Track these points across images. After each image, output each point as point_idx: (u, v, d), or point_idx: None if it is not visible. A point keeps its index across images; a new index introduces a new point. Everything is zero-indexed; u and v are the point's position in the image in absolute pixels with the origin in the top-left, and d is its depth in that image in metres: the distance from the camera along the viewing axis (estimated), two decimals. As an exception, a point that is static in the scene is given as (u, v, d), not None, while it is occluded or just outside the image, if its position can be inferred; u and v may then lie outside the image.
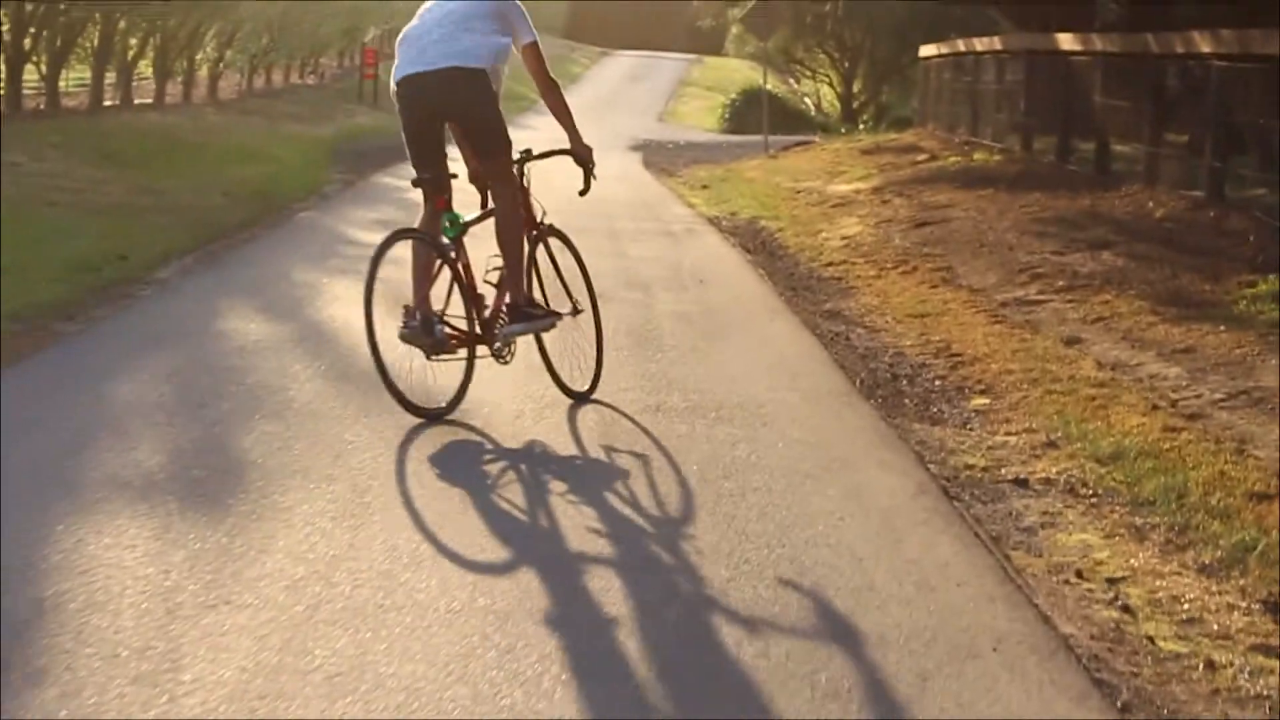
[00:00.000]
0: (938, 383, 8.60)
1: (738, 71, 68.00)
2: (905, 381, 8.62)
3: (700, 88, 62.56)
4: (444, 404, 7.03)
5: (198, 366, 8.17)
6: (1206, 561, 5.47)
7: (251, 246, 13.39)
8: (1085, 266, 12.12)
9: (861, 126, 38.67)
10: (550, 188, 8.81)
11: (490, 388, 7.50)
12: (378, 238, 7.25)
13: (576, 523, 5.65)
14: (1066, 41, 19.20)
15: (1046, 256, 12.72)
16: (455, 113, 7.21)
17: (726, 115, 46.65)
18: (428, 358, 7.02)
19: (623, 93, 57.97)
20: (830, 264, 13.88)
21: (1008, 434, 7.34)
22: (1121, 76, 17.30)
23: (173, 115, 27.95)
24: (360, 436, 6.67)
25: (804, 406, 7.78)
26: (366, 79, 41.43)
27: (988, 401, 8.07)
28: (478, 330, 7.18)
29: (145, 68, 31.68)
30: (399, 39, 7.22)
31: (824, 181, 22.19)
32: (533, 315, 7.33)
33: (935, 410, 7.89)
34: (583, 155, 7.97)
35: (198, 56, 33.07)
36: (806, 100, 56.10)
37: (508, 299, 7.26)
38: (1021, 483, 6.48)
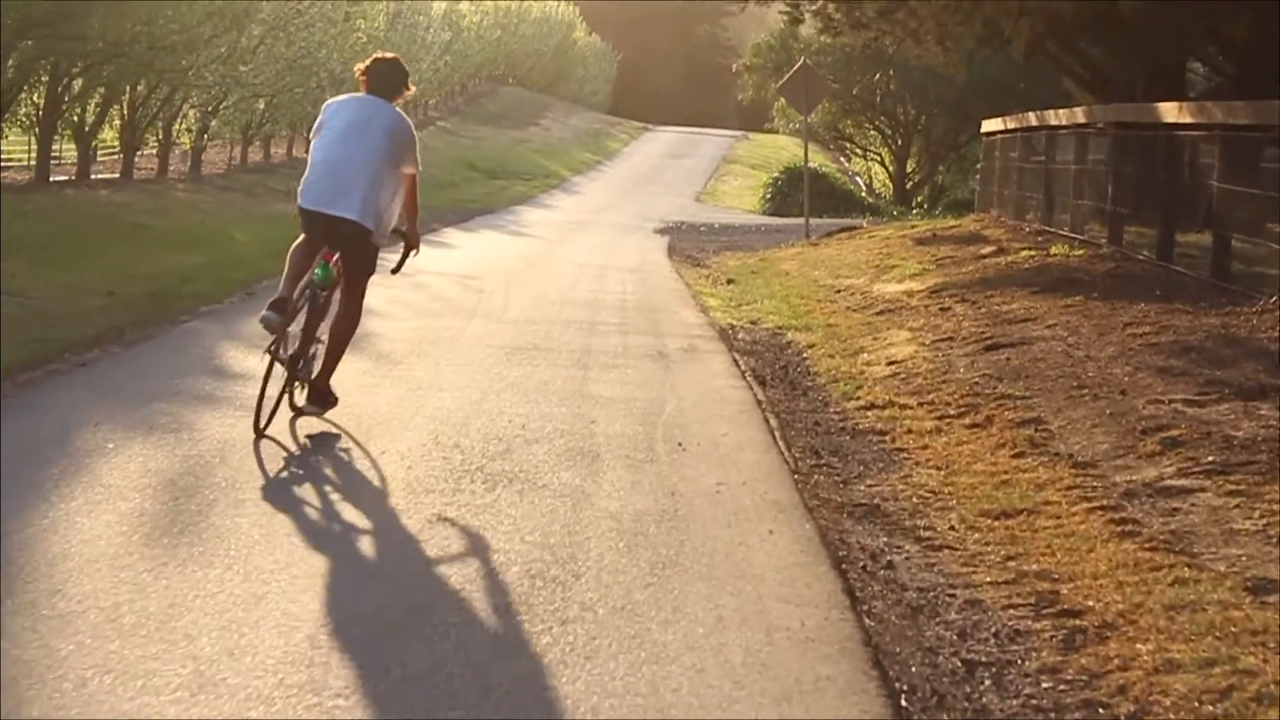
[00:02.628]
0: (1049, 687, 4.86)
1: (784, 149, 64.66)
2: (992, 688, 4.87)
3: (744, 165, 59.08)
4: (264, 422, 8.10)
5: None
6: None
7: (71, 379, 9.76)
8: (1240, 427, 8.33)
9: (916, 210, 34.84)
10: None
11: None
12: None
13: None
14: (1171, 112, 15.48)
15: (1178, 408, 8.93)
16: (343, 247, 8.39)
17: (768, 195, 43.07)
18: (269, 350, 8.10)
19: (661, 170, 54.56)
20: (872, 405, 10.18)
21: None
22: (1246, 154, 13.59)
23: (131, 193, 24.56)
24: None
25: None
26: (375, 153, 37.95)
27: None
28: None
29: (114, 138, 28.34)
30: (314, 138, 8.45)
31: (870, 278, 18.49)
32: (327, 402, 8.60)
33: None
34: (409, 241, 9.13)
35: (175, 126, 29.66)
36: (857, 180, 52.55)
37: (314, 378, 8.54)
38: None
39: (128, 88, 26.32)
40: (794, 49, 44.25)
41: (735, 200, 46.12)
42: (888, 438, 9.13)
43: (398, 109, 8.60)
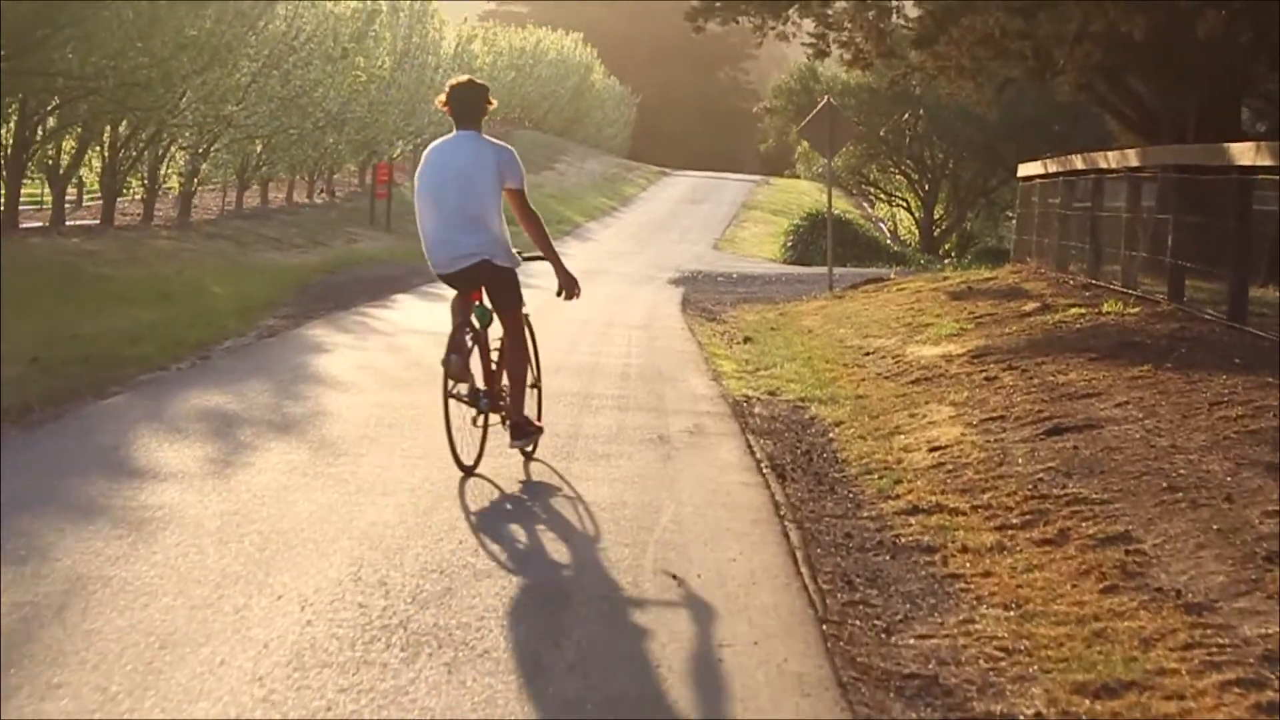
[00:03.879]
0: None
1: (806, 194, 63.01)
2: None
3: (765, 211, 57.33)
4: (471, 462, 8.64)
5: None
6: None
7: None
8: (1395, 554, 6.48)
9: (948, 261, 32.99)
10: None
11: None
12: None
13: None
14: (1245, 154, 13.65)
15: (1306, 522, 7.09)
16: (485, 285, 8.77)
17: (789, 243, 41.29)
18: (452, 377, 8.65)
19: (679, 216, 52.84)
20: (915, 508, 8.35)
21: None
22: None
23: (105, 241, 22.85)
24: None
25: None
26: (379, 198, 36.51)
27: None
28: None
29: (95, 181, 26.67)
30: (419, 194, 8.72)
31: (902, 338, 16.66)
32: (529, 431, 8.97)
33: None
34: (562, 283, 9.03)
35: (162, 169, 27.98)
36: (881, 226, 50.77)
37: (510, 418, 8.86)
38: None
39: (108, 127, 24.66)
40: (816, 90, 42.63)
41: (755, 248, 44.35)
42: (938, 557, 7.29)
43: (483, 138, 8.72)
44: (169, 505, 7.29)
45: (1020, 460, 9.27)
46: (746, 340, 18.22)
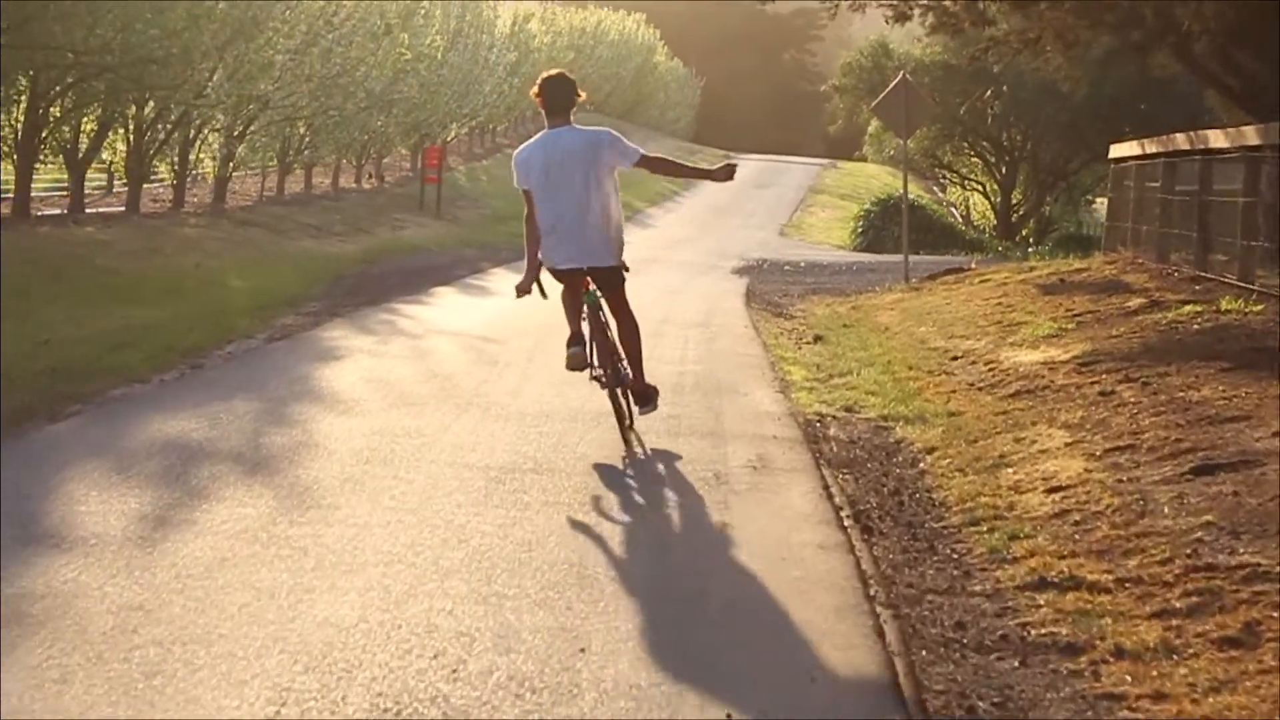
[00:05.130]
0: None
1: (875, 178, 61.06)
2: None
3: (832, 195, 55.33)
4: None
5: None
6: None
7: None
8: None
9: (1033, 249, 30.91)
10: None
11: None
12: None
13: None
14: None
15: None
16: (596, 279, 9.21)
17: (859, 229, 39.25)
18: (573, 369, 9.24)
19: (743, 200, 50.88)
20: (1041, 580, 6.48)
21: None
22: None
23: (125, 229, 21.20)
24: None
25: None
26: (429, 183, 34.78)
27: None
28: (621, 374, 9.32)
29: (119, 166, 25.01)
30: (535, 196, 9.09)
31: (994, 340, 14.75)
32: (651, 396, 9.40)
33: None
34: (719, 176, 9.48)
35: (194, 153, 26.33)
36: (953, 211, 48.64)
37: (634, 388, 9.36)
38: None
39: (132, 107, 23.00)
40: (888, 68, 40.57)
41: (823, 234, 42.37)
42: (1085, 662, 5.43)
43: (578, 128, 9.14)
44: (56, 593, 5.52)
45: (1166, 510, 7.37)
46: (816, 339, 16.36)
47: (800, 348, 15.66)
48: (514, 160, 9.23)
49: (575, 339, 9.17)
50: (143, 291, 15.77)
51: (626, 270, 9.41)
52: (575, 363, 9.14)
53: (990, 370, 12.88)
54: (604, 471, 8.37)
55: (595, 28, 71.89)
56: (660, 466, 8.58)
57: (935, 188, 57.24)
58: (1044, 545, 7.03)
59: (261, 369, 11.73)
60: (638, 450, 9.02)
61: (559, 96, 9.09)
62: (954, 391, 12.03)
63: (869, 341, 15.95)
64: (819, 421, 10.64)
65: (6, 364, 10.50)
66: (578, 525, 7.06)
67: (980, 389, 12.03)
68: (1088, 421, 9.87)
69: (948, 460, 9.33)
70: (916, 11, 19.77)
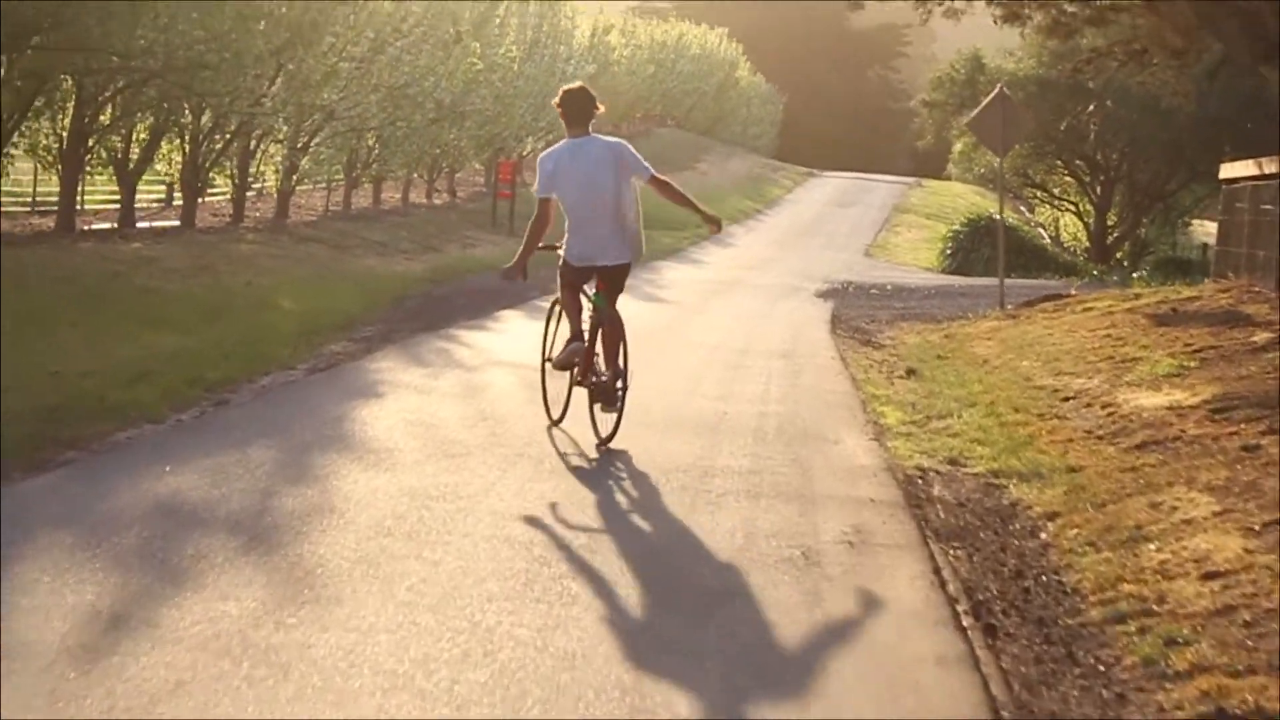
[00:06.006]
0: None
1: (962, 196, 59.51)
2: None
3: (918, 215, 53.81)
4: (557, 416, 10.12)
5: None
6: None
7: None
8: None
9: (1136, 275, 29.31)
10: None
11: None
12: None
13: None
14: None
15: None
16: (609, 278, 9.73)
17: (948, 250, 37.74)
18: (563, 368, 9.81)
19: (826, 219, 49.49)
20: (1220, 715, 5.10)
21: None
22: None
23: (176, 245, 20.14)
24: None
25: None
26: (501, 198, 33.64)
27: None
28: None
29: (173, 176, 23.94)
30: (563, 199, 9.64)
31: (1108, 378, 13.31)
32: (614, 398, 9.63)
33: None
34: (711, 220, 10.14)
35: (254, 165, 25.27)
36: (1040, 231, 47.02)
37: (608, 387, 9.66)
38: None
39: (188, 116, 21.93)
40: (981, 82, 39.06)
41: (910, 255, 40.88)
42: None
43: (597, 138, 9.70)
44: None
45: (1360, 611, 5.98)
46: (910, 373, 14.99)
47: (892, 383, 14.30)
48: (539, 164, 9.76)
49: (577, 336, 9.67)
50: (181, 314, 14.61)
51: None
52: (568, 361, 9.68)
53: (1109, 415, 11.48)
54: (668, 546, 7.05)
55: (677, 41, 70.61)
56: (738, 539, 7.24)
57: (1023, 208, 55.59)
58: (1211, 656, 5.66)
59: (292, 407, 10.48)
60: (706, 523, 7.68)
61: (580, 108, 9.67)
62: (1070, 441, 10.63)
63: (967, 377, 14.56)
64: (921, 478, 9.29)
65: (19, 393, 9.34)
66: (631, 628, 5.74)
67: (1100, 438, 10.63)
68: (1234, 484, 8.46)
69: (1074, 531, 7.95)
70: (1029, 11, 18.36)
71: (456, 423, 10.07)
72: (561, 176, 9.55)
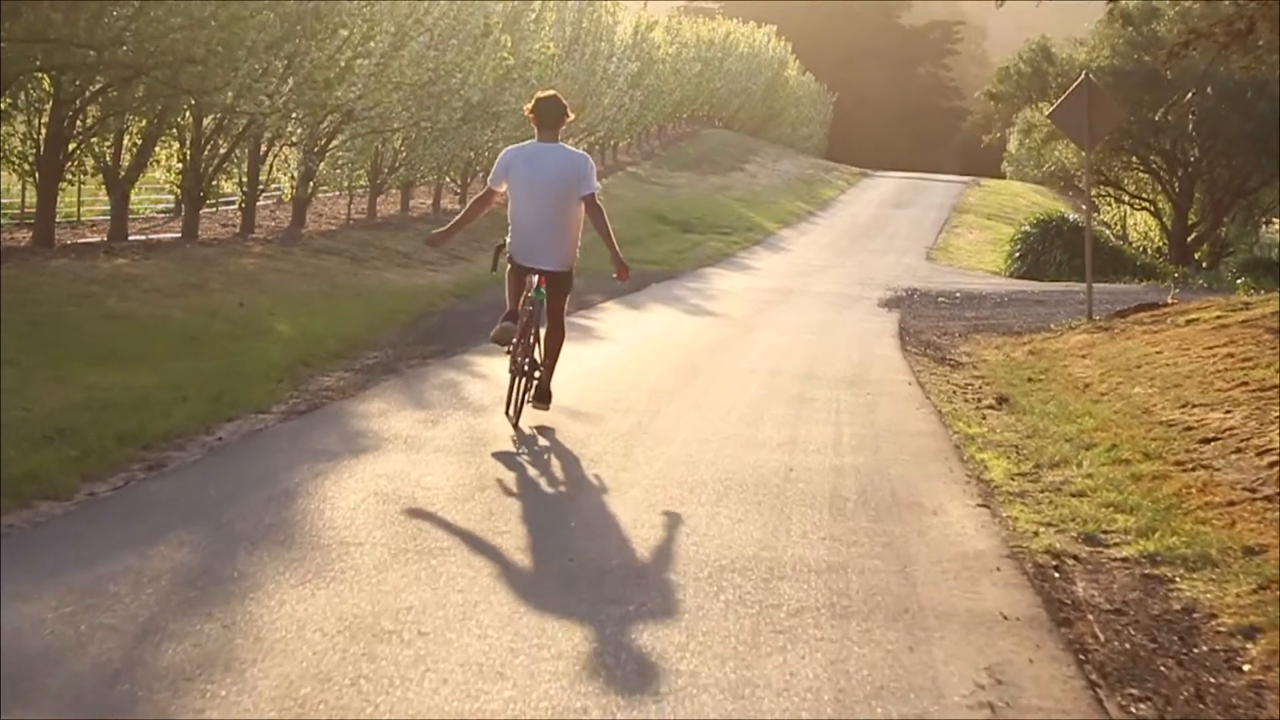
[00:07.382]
0: None
1: (1021, 195, 57.07)
2: None
3: (977, 215, 51.33)
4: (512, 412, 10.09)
5: None
6: None
7: None
8: None
9: (1241, 281, 26.82)
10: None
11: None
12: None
13: None
14: None
15: None
16: (548, 277, 10.01)
17: (1016, 253, 35.34)
18: (498, 341, 9.97)
19: (883, 221, 47.12)
20: None
21: None
22: None
23: (168, 260, 18.02)
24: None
25: None
26: (538, 203, 31.18)
27: None
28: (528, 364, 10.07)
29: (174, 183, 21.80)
30: (507, 193, 10.19)
31: (1251, 412, 10.94)
32: (547, 399, 10.19)
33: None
34: (619, 267, 10.31)
35: (264, 170, 23.14)
36: (1107, 230, 44.57)
37: (540, 386, 10.16)
38: None
39: (187, 116, 19.82)
40: (1050, 74, 36.70)
41: (974, 258, 38.48)
42: None
43: (566, 146, 10.37)
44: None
45: None
46: (1001, 402, 12.73)
47: (984, 416, 12.02)
48: (500, 155, 10.44)
49: (511, 315, 9.93)
50: (146, 344, 12.44)
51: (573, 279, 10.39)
52: (503, 336, 9.88)
53: (1271, 467, 9.16)
54: (723, 705, 4.80)
55: (724, 40, 68.27)
56: (825, 704, 4.95)
57: (1083, 206, 53.23)
58: None
59: (239, 475, 8.18)
60: (776, 676, 5.42)
61: (550, 114, 10.17)
62: (1232, 505, 8.33)
63: (1071, 408, 12.25)
64: (1056, 569, 6.98)
65: None
66: None
67: (1270, 499, 8.32)
68: None
69: (1290, 659, 5.66)
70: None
71: (445, 497, 7.75)
72: (515, 175, 10.03)
